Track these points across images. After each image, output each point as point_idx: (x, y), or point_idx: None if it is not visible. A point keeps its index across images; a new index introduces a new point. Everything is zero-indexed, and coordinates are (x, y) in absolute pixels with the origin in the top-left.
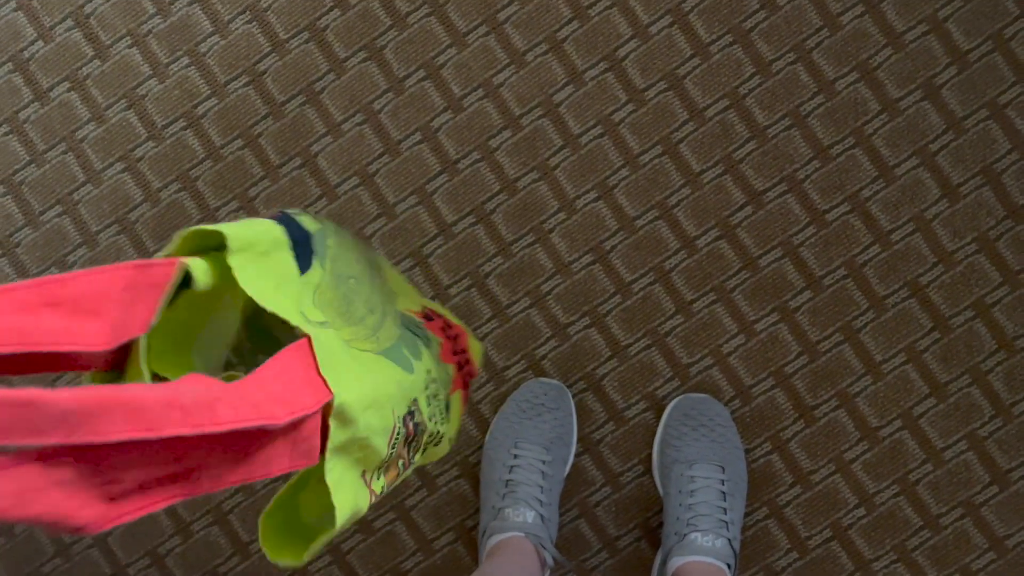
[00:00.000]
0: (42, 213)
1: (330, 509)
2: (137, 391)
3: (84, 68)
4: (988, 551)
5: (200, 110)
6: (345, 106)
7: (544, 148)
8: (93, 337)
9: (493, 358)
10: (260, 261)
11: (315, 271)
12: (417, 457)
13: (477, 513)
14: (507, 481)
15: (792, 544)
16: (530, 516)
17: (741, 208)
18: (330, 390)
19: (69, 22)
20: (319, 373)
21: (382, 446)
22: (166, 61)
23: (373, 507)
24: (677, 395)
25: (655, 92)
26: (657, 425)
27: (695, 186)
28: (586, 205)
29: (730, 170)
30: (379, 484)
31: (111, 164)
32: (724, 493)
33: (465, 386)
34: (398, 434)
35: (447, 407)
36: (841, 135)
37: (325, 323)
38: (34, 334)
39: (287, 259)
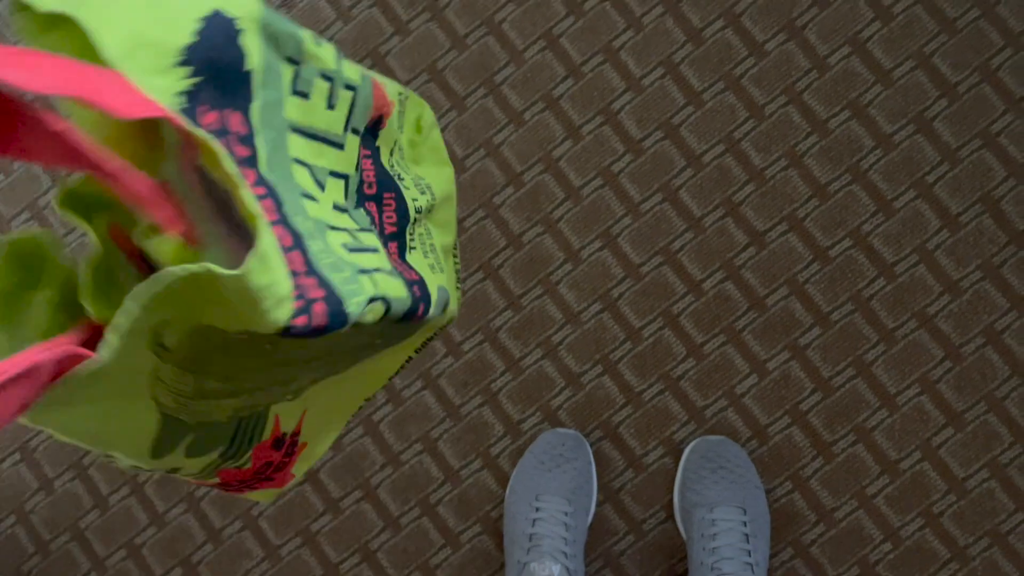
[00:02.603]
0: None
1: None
2: None
3: None
4: None
5: None
6: None
7: (547, 202)
8: None
9: (508, 412)
10: None
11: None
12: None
13: (502, 569)
14: (531, 535)
15: None
16: (556, 569)
17: (744, 249)
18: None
19: None
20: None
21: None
22: None
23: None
24: (694, 438)
25: (652, 141)
26: (676, 470)
27: (698, 230)
28: (591, 255)
29: (731, 213)
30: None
31: None
32: (747, 535)
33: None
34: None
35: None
36: (837, 172)
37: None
38: None
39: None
